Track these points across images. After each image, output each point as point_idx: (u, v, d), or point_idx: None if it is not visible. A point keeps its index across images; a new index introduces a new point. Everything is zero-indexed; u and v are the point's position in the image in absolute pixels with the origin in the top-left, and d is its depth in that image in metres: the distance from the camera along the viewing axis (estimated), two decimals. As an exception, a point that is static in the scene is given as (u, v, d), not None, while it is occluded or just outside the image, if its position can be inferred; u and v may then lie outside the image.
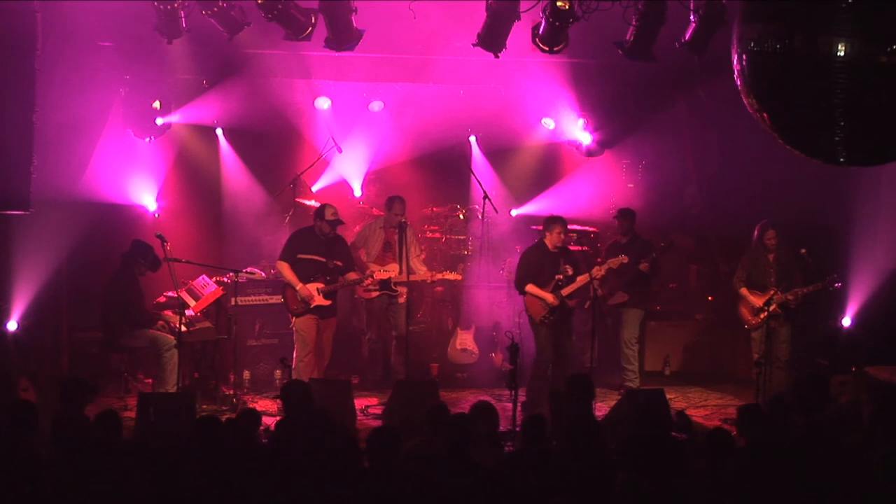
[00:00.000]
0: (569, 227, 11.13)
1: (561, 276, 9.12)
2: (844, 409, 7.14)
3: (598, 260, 10.15)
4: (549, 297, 9.11)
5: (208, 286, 9.56)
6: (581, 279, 9.15)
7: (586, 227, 11.33)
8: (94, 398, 7.32)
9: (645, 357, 10.61)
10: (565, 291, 9.13)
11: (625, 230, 10.14)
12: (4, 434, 5.93)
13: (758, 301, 9.37)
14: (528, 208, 11.60)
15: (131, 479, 5.59)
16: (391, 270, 9.80)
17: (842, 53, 5.40)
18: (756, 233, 9.53)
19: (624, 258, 9.31)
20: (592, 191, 11.86)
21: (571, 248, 10.51)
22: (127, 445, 6.23)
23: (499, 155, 12.02)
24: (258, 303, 10.28)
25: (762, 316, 9.33)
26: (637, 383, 9.94)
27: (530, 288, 9.20)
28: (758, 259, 9.53)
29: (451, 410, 8.15)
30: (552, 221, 9.23)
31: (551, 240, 9.17)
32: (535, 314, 9.22)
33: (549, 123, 11.60)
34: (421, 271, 9.84)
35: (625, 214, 10.20)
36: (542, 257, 9.25)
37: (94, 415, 6.33)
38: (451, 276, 10.09)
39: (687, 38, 8.42)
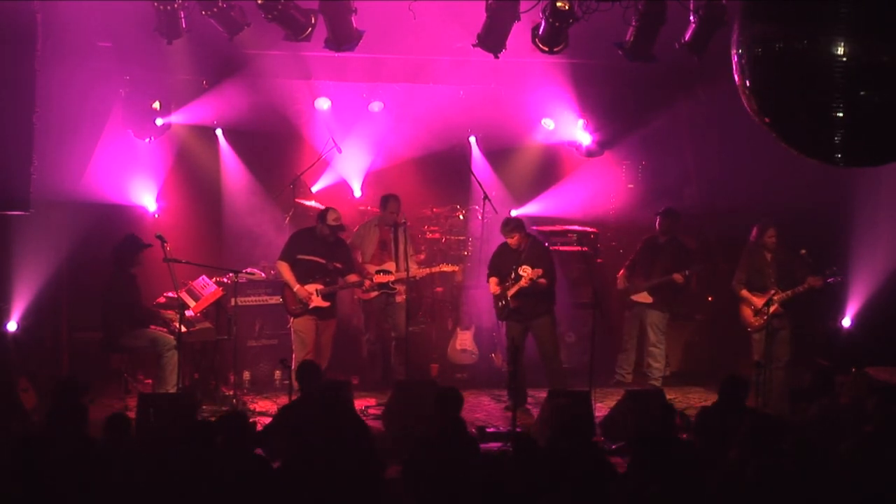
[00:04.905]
0: (569, 227, 11.24)
1: (512, 276, 9.15)
2: (845, 409, 7.17)
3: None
4: (495, 288, 9.34)
5: (208, 287, 9.56)
6: (519, 284, 9.13)
7: (586, 228, 11.32)
8: (87, 397, 7.32)
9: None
10: (510, 292, 9.18)
11: (664, 229, 10.13)
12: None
13: (759, 302, 9.37)
14: (528, 208, 11.59)
15: (128, 478, 5.61)
16: (389, 269, 9.78)
17: (842, 53, 5.41)
18: (755, 231, 9.53)
19: (539, 270, 9.10)
20: (592, 191, 11.85)
21: (569, 248, 10.56)
22: (132, 447, 6.24)
23: (499, 155, 12.01)
24: (258, 303, 10.28)
25: (765, 317, 9.31)
26: (660, 381, 10.01)
27: (491, 280, 9.42)
28: (756, 259, 9.53)
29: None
30: (505, 224, 9.37)
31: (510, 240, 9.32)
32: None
33: (549, 124, 11.59)
34: (413, 268, 9.81)
35: (668, 214, 10.19)
36: (501, 253, 9.41)
37: (95, 417, 6.35)
38: (447, 268, 10.06)
39: (687, 38, 8.42)
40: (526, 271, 9.08)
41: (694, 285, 11.65)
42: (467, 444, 6.16)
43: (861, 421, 6.50)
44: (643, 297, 10.11)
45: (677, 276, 9.82)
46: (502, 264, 9.32)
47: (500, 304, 9.32)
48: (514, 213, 11.57)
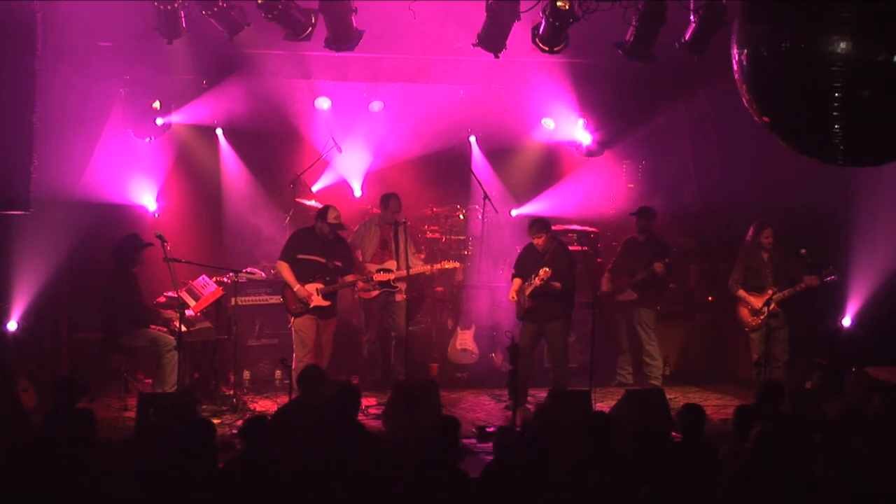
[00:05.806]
0: (569, 227, 11.24)
1: (533, 277, 9.13)
2: (850, 408, 7.16)
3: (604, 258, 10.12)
4: (513, 294, 9.30)
5: (208, 286, 9.55)
6: (534, 283, 9.10)
7: (586, 228, 11.33)
8: (86, 398, 7.32)
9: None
10: (527, 291, 9.17)
11: (641, 228, 10.20)
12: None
13: (757, 302, 9.38)
14: (528, 208, 11.59)
15: (120, 477, 5.60)
16: (390, 268, 9.79)
17: (842, 53, 5.41)
18: (751, 231, 9.56)
19: (549, 271, 9.01)
20: (592, 191, 11.86)
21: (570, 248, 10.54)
22: (99, 443, 6.24)
23: (499, 155, 12.01)
24: (258, 303, 10.28)
25: (762, 317, 9.34)
26: (660, 381, 10.01)
27: (514, 281, 9.37)
28: (752, 259, 9.55)
29: (451, 411, 8.17)
30: (532, 224, 9.32)
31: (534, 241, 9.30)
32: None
33: (549, 123, 11.59)
34: (419, 265, 9.85)
35: (643, 213, 10.27)
36: (526, 255, 9.40)
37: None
38: (449, 265, 10.07)
39: (687, 38, 8.42)
40: (541, 272, 9.11)
41: (693, 283, 11.70)
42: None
43: (865, 420, 6.50)
44: (628, 296, 10.15)
45: (658, 266, 9.87)
46: (527, 265, 9.32)
47: (518, 303, 9.33)
48: (514, 212, 11.59)
